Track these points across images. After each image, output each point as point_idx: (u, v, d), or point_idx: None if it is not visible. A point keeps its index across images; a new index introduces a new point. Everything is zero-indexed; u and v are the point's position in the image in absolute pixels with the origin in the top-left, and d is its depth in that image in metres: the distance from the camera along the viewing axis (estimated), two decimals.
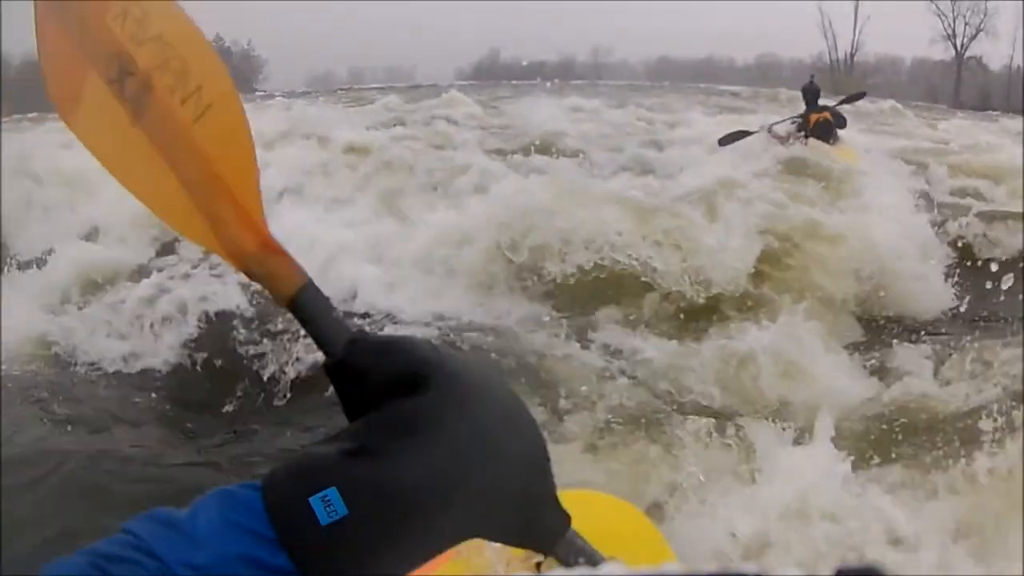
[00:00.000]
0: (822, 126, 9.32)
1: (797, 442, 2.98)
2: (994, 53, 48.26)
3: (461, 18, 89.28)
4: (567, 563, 0.60)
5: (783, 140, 9.73)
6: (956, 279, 4.98)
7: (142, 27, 0.59)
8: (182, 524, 0.51)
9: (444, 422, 0.54)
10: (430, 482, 0.52)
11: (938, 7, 47.28)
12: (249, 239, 0.58)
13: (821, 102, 10.47)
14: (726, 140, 10.33)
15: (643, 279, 4.55)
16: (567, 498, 0.63)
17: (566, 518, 0.61)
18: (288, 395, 3.87)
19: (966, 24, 46.92)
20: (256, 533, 0.51)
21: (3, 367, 3.97)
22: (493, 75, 48.45)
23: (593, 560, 0.61)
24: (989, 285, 4.55)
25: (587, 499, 1.18)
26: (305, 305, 0.59)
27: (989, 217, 6.22)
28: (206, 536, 0.50)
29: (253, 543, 0.50)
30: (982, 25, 46.43)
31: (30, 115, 14.39)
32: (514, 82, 32.92)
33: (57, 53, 0.60)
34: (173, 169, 0.59)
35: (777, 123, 10.20)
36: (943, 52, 48.65)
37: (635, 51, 77.82)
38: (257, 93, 31.11)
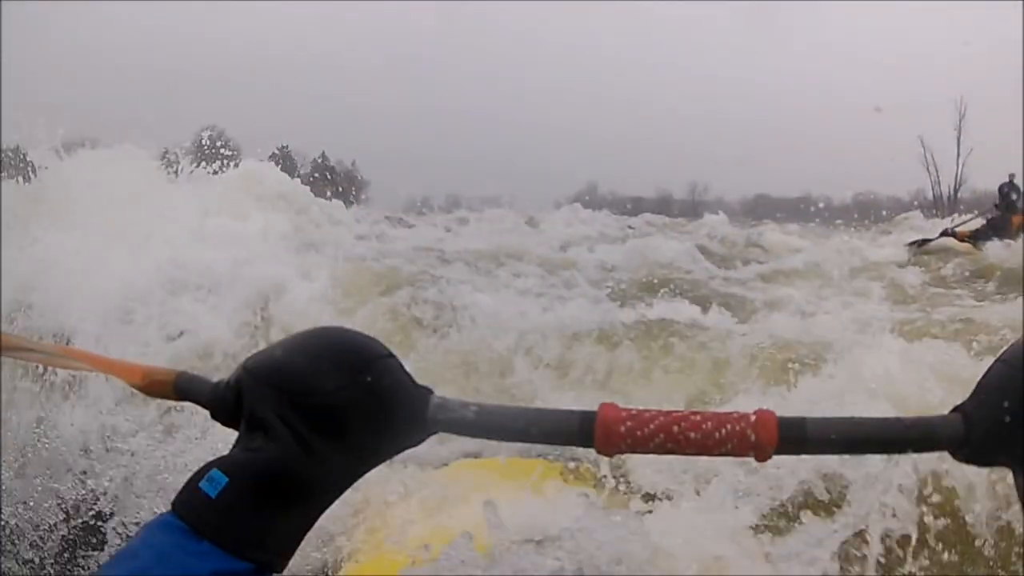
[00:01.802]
0: None
1: None
2: None
3: (559, 150, 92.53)
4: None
5: (975, 243, 8.63)
6: None
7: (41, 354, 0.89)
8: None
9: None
10: (286, 444, 0.63)
11: None
12: (136, 380, 0.77)
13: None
14: (915, 245, 9.52)
15: None
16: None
17: (422, 393, 0.68)
18: None
19: None
20: (176, 539, 0.60)
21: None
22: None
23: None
24: None
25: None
26: (182, 386, 0.75)
27: None
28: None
29: (176, 544, 0.60)
30: None
31: None
32: (616, 215, 31.64)
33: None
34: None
35: (958, 225, 9.27)
36: None
37: (731, 188, 77.70)
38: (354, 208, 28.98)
